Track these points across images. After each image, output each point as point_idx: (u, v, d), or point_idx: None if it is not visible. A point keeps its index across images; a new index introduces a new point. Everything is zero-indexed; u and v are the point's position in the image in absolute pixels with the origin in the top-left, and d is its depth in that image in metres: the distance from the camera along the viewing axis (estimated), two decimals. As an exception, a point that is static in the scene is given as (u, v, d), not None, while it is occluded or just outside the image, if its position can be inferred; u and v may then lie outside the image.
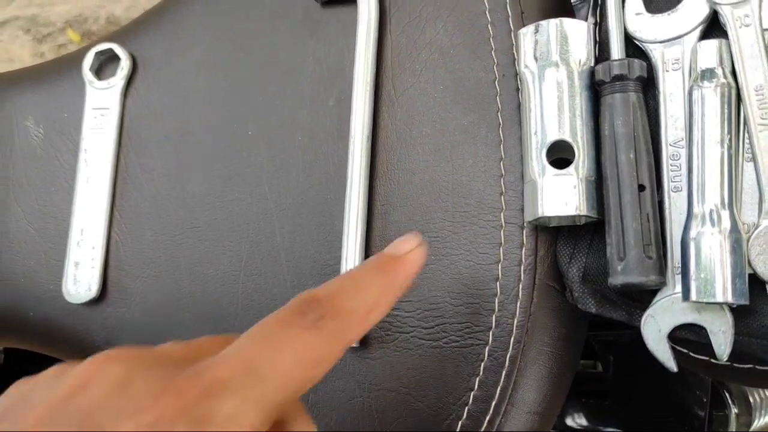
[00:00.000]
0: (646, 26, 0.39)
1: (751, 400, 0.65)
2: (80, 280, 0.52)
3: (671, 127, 0.38)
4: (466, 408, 0.41)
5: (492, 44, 0.44)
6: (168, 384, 0.24)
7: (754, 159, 0.36)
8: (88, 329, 0.53)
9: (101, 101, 0.55)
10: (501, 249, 0.42)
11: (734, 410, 0.62)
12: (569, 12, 0.47)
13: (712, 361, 0.39)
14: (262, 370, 0.25)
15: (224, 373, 0.25)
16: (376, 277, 0.32)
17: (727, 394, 0.63)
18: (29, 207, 0.55)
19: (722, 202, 0.35)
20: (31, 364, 0.70)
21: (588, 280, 0.40)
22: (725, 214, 0.35)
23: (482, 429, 0.41)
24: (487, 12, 0.45)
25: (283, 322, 0.27)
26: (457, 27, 0.45)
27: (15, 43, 1.76)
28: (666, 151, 0.38)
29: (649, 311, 0.38)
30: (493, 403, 0.41)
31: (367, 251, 0.45)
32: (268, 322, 0.27)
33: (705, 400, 0.55)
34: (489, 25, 0.45)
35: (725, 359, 0.36)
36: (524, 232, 0.41)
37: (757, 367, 0.38)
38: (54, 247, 0.54)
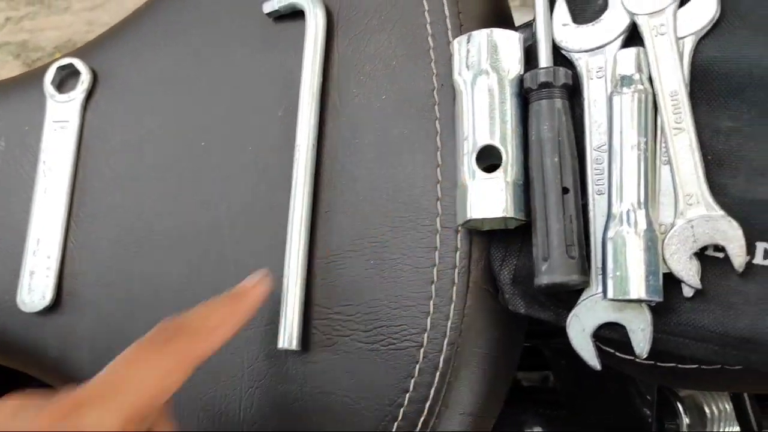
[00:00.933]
0: (571, 36, 0.41)
1: (707, 411, 0.66)
2: (35, 289, 0.53)
3: (595, 133, 0.40)
4: (402, 409, 0.42)
5: (432, 55, 0.46)
6: (45, 405, 0.32)
7: (669, 162, 0.37)
8: (42, 338, 0.54)
9: (61, 114, 0.56)
10: (436, 253, 0.43)
11: (686, 420, 0.62)
12: (509, 25, 0.49)
13: (637, 360, 0.39)
14: (119, 384, 0.33)
15: (89, 391, 0.33)
16: (224, 303, 0.40)
17: (679, 405, 0.63)
18: (-12, 217, 0.56)
19: (638, 203, 0.36)
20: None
21: (518, 282, 0.41)
22: (641, 214, 0.36)
23: (417, 430, 0.42)
24: (428, 25, 0.46)
25: (139, 345, 0.35)
26: (400, 39, 0.47)
27: (5, 67, 1.79)
28: (590, 156, 0.40)
29: (574, 311, 0.39)
30: (428, 404, 0.42)
31: (310, 257, 0.46)
32: (130, 348, 0.35)
33: (652, 405, 0.55)
34: (429, 37, 0.46)
35: (644, 356, 0.37)
36: (459, 236, 0.42)
37: (679, 365, 0.39)
38: (10, 258, 0.55)
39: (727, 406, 0.66)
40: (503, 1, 0.50)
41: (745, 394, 0.62)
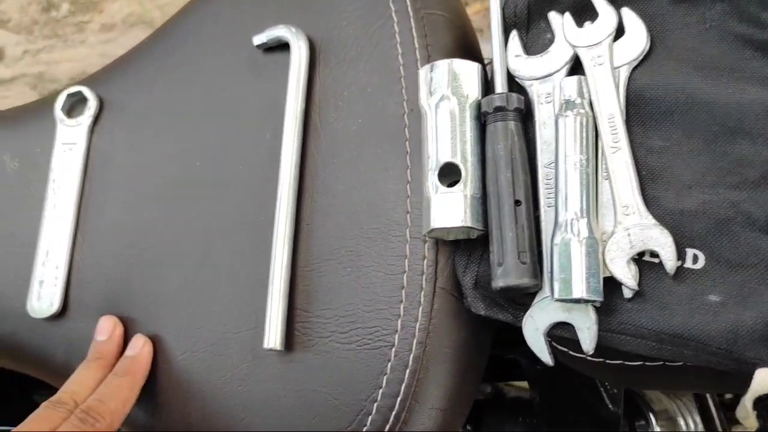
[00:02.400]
0: (523, 66, 0.46)
1: (681, 423, 0.69)
2: (43, 297, 0.58)
3: (545, 151, 0.44)
4: (375, 404, 0.46)
5: (403, 83, 0.51)
6: None
7: (609, 177, 0.42)
8: (49, 343, 0.58)
9: (70, 137, 0.61)
10: (406, 261, 0.47)
11: (657, 429, 0.66)
12: (475, 57, 0.53)
13: (588, 358, 0.43)
14: None
15: None
16: (125, 378, 0.51)
17: (651, 415, 0.67)
18: (0, 231, 0.61)
19: (580, 213, 0.41)
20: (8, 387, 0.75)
21: (479, 286, 0.45)
22: (583, 223, 0.41)
23: (389, 423, 0.46)
24: (399, 56, 0.51)
25: (73, 427, 0.45)
26: (374, 68, 0.52)
27: (22, 98, 1.85)
28: (541, 172, 0.44)
29: (528, 312, 0.43)
30: (399, 399, 0.46)
31: (293, 266, 0.50)
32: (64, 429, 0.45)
33: (618, 411, 0.59)
34: (401, 67, 0.51)
35: (590, 353, 0.41)
36: (426, 245, 0.47)
37: (625, 362, 0.43)
38: (21, 268, 0.59)
39: (697, 419, 0.69)
40: (469, 34, 0.55)
41: (711, 404, 0.65)
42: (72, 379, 0.51)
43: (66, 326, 0.58)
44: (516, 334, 0.49)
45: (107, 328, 0.55)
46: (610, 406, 0.60)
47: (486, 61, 0.56)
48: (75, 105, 0.63)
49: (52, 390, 0.64)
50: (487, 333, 0.50)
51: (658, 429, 0.66)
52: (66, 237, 0.59)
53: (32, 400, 0.76)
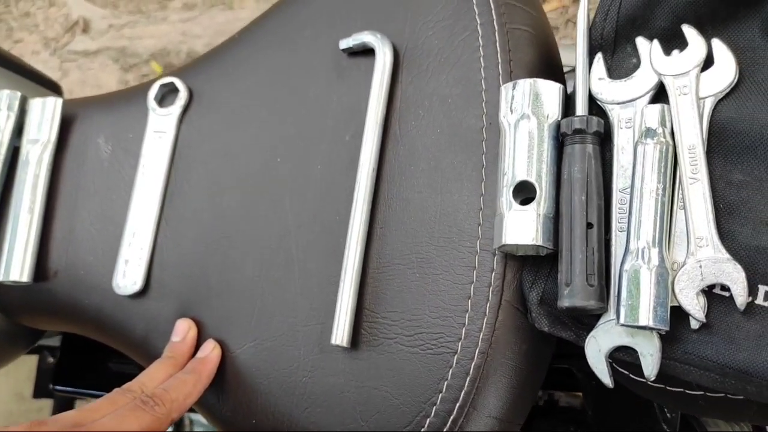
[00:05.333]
0: (606, 89, 0.46)
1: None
2: (128, 275, 0.62)
3: (621, 176, 0.45)
4: (434, 407, 0.48)
5: (483, 97, 0.52)
6: None
7: (684, 208, 0.42)
8: (130, 319, 0.62)
9: (160, 125, 0.65)
10: (474, 272, 0.48)
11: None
12: (557, 75, 0.54)
13: (649, 383, 0.44)
14: None
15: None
16: (191, 375, 0.54)
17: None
18: (93, 211, 0.65)
19: (653, 242, 0.41)
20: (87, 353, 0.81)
21: (545, 303, 0.46)
22: (654, 252, 0.41)
23: (446, 426, 0.47)
24: (482, 69, 0.52)
25: (134, 407, 0.48)
26: (456, 80, 0.53)
27: (104, 71, 1.94)
28: (615, 196, 0.45)
29: (592, 333, 0.44)
30: (457, 405, 0.47)
31: (365, 268, 0.52)
32: (124, 408, 0.48)
33: (675, 427, 0.59)
34: (482, 81, 0.52)
35: (652, 379, 0.42)
36: (495, 258, 0.48)
37: (686, 390, 0.44)
38: (109, 246, 0.63)
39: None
40: (552, 51, 0.55)
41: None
42: (144, 372, 0.54)
43: (147, 304, 0.61)
44: (574, 347, 0.50)
45: (182, 330, 0.58)
46: (666, 428, 0.60)
47: (565, 69, 0.57)
48: (166, 95, 0.66)
49: (125, 359, 0.68)
50: (548, 348, 0.51)
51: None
52: (151, 220, 0.62)
53: (108, 367, 0.82)
